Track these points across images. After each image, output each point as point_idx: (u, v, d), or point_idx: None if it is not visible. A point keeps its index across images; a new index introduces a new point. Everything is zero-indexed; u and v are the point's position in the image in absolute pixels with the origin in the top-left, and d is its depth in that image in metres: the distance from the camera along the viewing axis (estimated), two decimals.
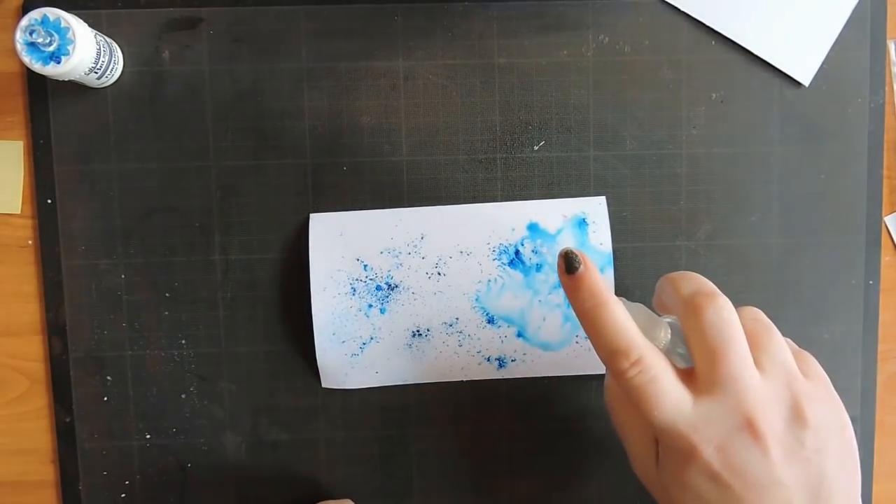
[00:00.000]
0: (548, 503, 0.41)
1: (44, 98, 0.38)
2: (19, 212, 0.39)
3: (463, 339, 0.39)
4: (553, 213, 0.39)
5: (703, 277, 0.31)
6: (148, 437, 0.40)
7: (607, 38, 0.39)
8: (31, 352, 0.40)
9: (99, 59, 0.35)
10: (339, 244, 0.39)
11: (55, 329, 0.39)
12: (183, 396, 0.40)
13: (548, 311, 0.39)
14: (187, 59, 0.39)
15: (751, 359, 0.29)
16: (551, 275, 0.39)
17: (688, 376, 0.29)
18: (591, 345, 0.30)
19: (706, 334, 0.28)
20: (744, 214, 0.40)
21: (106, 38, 0.37)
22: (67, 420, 0.40)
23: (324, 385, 0.40)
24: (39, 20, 0.33)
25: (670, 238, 0.40)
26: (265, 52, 0.39)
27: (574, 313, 0.30)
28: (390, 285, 0.39)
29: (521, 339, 0.39)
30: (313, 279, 0.39)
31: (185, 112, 0.39)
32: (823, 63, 0.39)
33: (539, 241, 0.39)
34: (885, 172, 0.40)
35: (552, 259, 0.39)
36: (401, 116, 0.39)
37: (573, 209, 0.39)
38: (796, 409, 0.28)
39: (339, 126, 0.39)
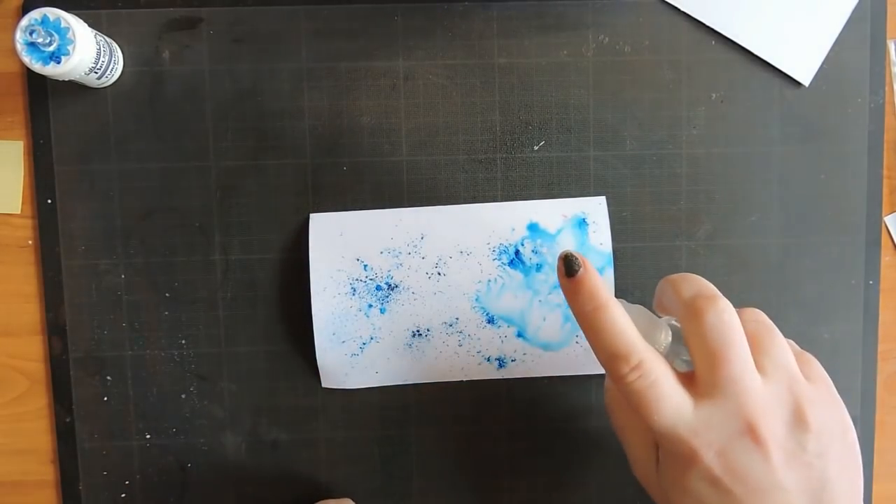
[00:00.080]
0: (547, 503, 0.41)
1: (44, 98, 0.38)
2: (19, 212, 0.39)
3: (463, 339, 0.39)
4: (553, 213, 0.39)
5: (703, 280, 0.30)
6: (148, 437, 0.40)
7: (607, 38, 0.39)
8: (31, 352, 0.40)
9: (99, 59, 0.35)
10: (339, 244, 0.39)
11: (55, 329, 0.39)
12: (183, 396, 0.40)
13: (548, 311, 0.39)
14: (187, 59, 0.39)
15: (752, 362, 0.28)
16: (551, 275, 0.39)
17: (688, 380, 0.29)
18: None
19: (707, 337, 0.28)
20: (744, 214, 0.40)
21: (106, 38, 0.37)
22: (67, 420, 0.40)
23: (324, 385, 0.40)
24: (39, 20, 0.33)
25: (670, 238, 0.40)
26: (265, 52, 0.39)
27: (573, 316, 0.30)
28: (390, 285, 0.39)
29: (521, 339, 0.39)
30: (313, 279, 0.39)
31: (185, 112, 0.39)
32: (823, 63, 0.39)
33: (539, 241, 0.39)
34: (885, 172, 0.40)
35: (552, 259, 0.39)
36: (401, 116, 0.39)
37: (573, 209, 0.39)
38: (798, 412, 0.28)
39: (339, 126, 0.39)
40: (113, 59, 0.37)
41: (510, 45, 0.39)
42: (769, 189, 0.40)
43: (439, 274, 0.39)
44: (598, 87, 0.39)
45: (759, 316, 0.31)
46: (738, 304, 0.30)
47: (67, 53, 0.33)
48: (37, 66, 0.33)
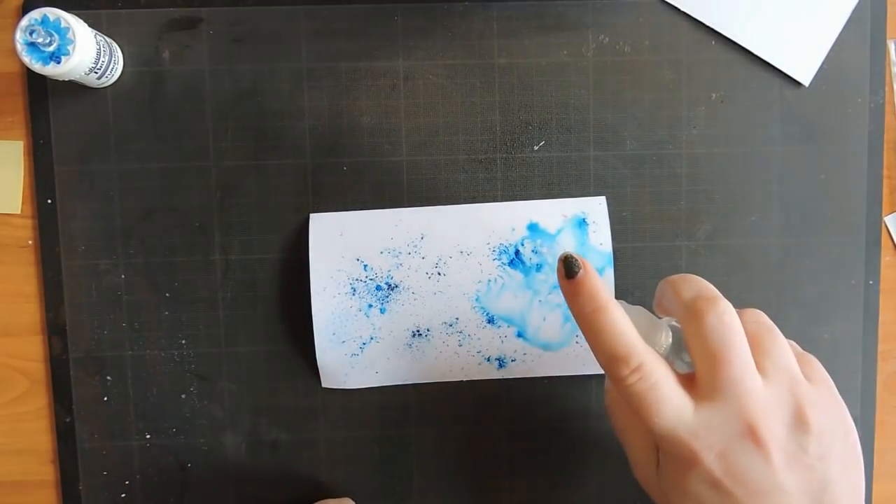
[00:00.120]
0: (547, 503, 0.41)
1: (44, 98, 0.38)
2: (19, 212, 0.39)
3: (463, 339, 0.39)
4: (553, 213, 0.39)
5: (704, 281, 0.30)
6: (148, 437, 0.40)
7: (607, 38, 0.39)
8: (31, 352, 0.40)
9: (99, 59, 0.35)
10: (339, 244, 0.39)
11: (55, 329, 0.39)
12: (183, 396, 0.40)
13: (548, 311, 0.39)
14: (187, 59, 0.39)
15: (752, 364, 0.28)
16: (551, 275, 0.39)
17: (689, 382, 0.29)
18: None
19: (707, 339, 0.28)
20: (744, 214, 0.40)
21: (106, 38, 0.37)
22: (67, 420, 0.40)
23: (324, 385, 0.40)
24: (39, 20, 0.33)
25: (670, 238, 0.40)
26: (265, 52, 0.39)
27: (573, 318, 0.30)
28: (390, 285, 0.39)
29: (520, 339, 0.39)
30: (313, 279, 0.39)
31: (185, 112, 0.39)
32: (823, 63, 0.39)
33: (539, 241, 0.39)
34: (885, 172, 0.40)
35: (552, 259, 0.39)
36: (401, 116, 0.39)
37: (573, 209, 0.39)
38: (799, 414, 0.28)
39: (339, 126, 0.39)
40: (113, 59, 0.37)
41: (510, 45, 0.39)
42: (769, 189, 0.40)
43: (439, 274, 0.39)
44: (598, 87, 0.39)
45: (760, 317, 0.30)
46: (739, 304, 0.30)
47: (67, 53, 0.33)
48: (37, 66, 0.33)
